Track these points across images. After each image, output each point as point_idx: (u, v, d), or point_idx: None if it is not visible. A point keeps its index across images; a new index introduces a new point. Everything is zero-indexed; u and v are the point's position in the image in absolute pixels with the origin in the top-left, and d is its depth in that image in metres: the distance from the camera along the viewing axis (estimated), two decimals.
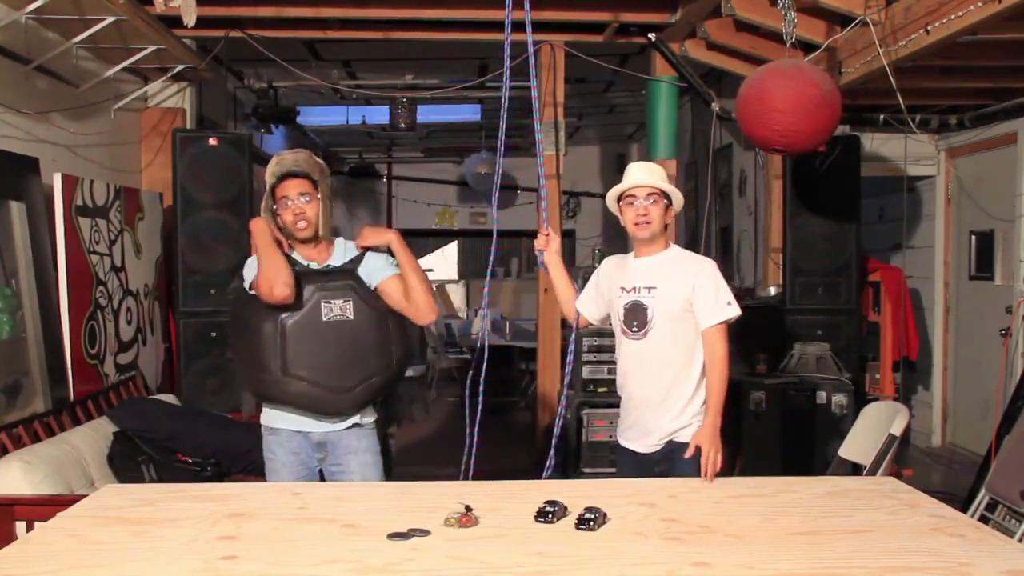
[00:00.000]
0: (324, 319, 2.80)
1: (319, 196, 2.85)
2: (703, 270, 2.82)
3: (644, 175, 2.84)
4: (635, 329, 2.82)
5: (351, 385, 2.82)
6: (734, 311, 2.78)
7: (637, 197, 2.81)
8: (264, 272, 2.73)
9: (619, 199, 2.89)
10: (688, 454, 2.72)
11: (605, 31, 5.28)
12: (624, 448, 2.94)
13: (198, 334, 4.99)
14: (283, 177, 2.83)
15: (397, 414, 3.26)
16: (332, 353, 2.80)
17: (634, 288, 2.84)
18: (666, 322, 2.78)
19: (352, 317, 2.82)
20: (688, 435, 2.78)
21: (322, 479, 2.92)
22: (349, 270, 2.87)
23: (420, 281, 2.89)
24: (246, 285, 2.87)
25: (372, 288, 2.89)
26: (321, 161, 2.93)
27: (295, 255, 2.89)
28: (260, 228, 2.83)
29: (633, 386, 2.87)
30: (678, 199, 2.87)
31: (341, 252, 2.94)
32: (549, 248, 2.99)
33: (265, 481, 2.93)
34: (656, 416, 2.82)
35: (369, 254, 2.93)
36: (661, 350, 2.80)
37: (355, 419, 2.89)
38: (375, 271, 2.90)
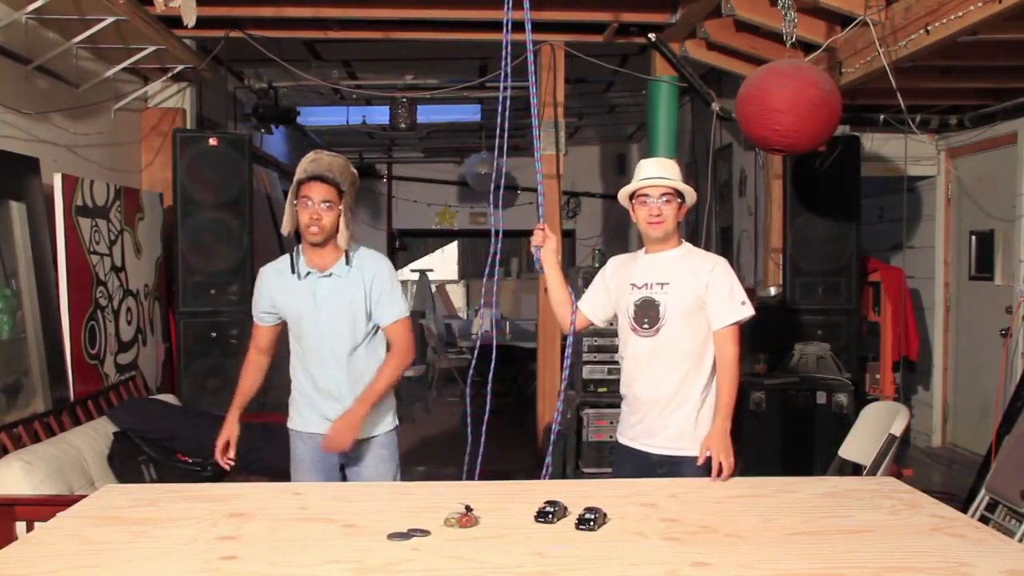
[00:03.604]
0: None
1: (341, 207, 2.86)
2: (717, 268, 2.78)
3: (657, 170, 2.79)
4: (646, 326, 2.78)
5: None
6: (748, 311, 2.75)
7: (650, 196, 2.77)
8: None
9: (631, 196, 2.83)
10: (700, 462, 2.64)
11: (605, 31, 5.28)
12: (625, 447, 2.88)
13: (198, 334, 5.00)
14: (312, 178, 2.82)
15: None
16: None
17: (646, 284, 2.80)
18: (678, 319, 2.74)
19: None
20: (696, 451, 2.71)
21: (343, 477, 3.01)
22: None
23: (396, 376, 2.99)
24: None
25: (367, 316, 2.95)
26: (354, 171, 2.93)
27: (300, 258, 2.92)
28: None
29: (640, 385, 2.81)
30: (691, 195, 2.82)
31: (344, 264, 2.92)
32: (546, 246, 2.93)
33: (265, 481, 2.94)
34: (663, 416, 2.77)
35: (379, 277, 2.95)
36: (672, 347, 2.75)
37: (372, 431, 2.99)
38: (383, 308, 2.96)
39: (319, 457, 2.95)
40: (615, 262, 2.99)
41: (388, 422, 3.03)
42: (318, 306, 2.90)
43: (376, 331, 2.99)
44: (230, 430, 2.99)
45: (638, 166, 2.87)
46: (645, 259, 2.86)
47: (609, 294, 2.93)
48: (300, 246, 2.94)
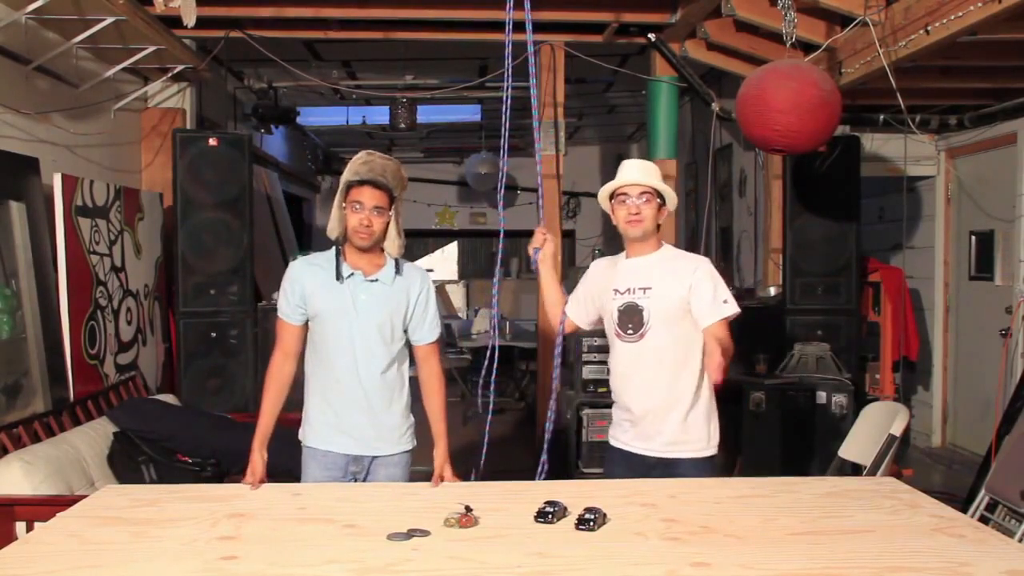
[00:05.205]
0: None
1: (391, 213, 2.73)
2: (700, 268, 2.76)
3: (637, 173, 2.79)
4: (630, 332, 2.75)
5: None
6: (732, 309, 2.72)
7: (629, 195, 2.77)
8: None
9: (611, 196, 2.83)
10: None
11: (605, 31, 5.28)
12: (618, 449, 2.85)
13: (198, 334, 5.00)
14: (364, 181, 2.66)
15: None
16: None
17: (628, 289, 2.77)
18: (663, 323, 2.72)
19: None
20: (691, 451, 2.72)
21: None
22: None
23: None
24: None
25: (404, 330, 2.81)
26: (405, 175, 2.79)
27: (341, 259, 2.76)
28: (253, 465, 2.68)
29: (630, 394, 2.78)
30: (672, 198, 2.81)
31: (391, 272, 2.78)
32: (544, 248, 2.93)
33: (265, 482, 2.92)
34: (655, 423, 2.74)
35: (425, 293, 2.84)
36: (658, 353, 2.72)
37: (389, 450, 2.84)
38: (427, 326, 2.84)
39: (333, 478, 2.79)
40: (597, 267, 2.99)
41: (407, 440, 2.88)
42: (357, 311, 2.73)
43: (405, 347, 2.86)
44: (258, 468, 2.63)
45: (619, 168, 2.87)
46: (626, 264, 2.84)
47: (592, 300, 2.92)
48: (340, 247, 2.79)
